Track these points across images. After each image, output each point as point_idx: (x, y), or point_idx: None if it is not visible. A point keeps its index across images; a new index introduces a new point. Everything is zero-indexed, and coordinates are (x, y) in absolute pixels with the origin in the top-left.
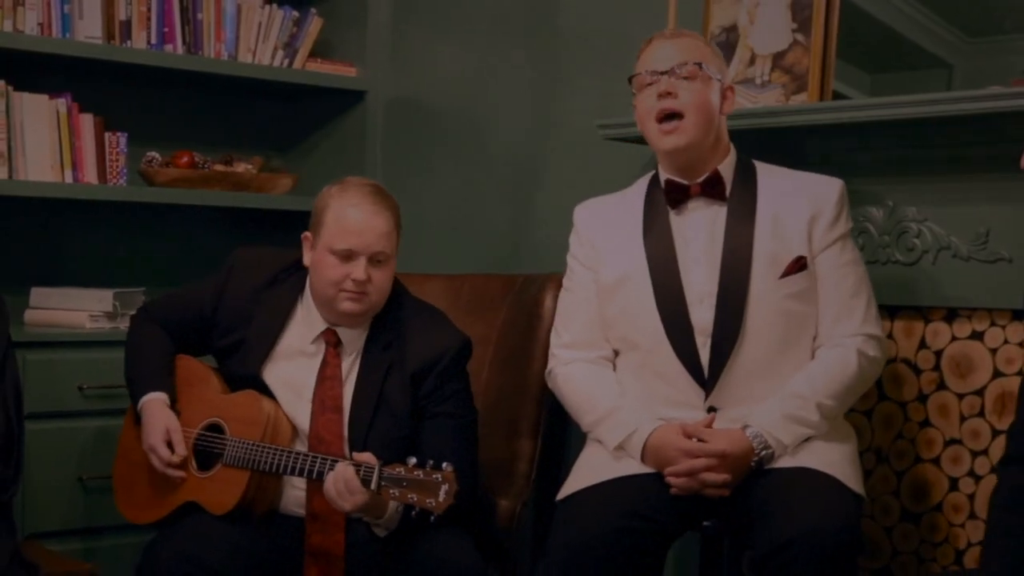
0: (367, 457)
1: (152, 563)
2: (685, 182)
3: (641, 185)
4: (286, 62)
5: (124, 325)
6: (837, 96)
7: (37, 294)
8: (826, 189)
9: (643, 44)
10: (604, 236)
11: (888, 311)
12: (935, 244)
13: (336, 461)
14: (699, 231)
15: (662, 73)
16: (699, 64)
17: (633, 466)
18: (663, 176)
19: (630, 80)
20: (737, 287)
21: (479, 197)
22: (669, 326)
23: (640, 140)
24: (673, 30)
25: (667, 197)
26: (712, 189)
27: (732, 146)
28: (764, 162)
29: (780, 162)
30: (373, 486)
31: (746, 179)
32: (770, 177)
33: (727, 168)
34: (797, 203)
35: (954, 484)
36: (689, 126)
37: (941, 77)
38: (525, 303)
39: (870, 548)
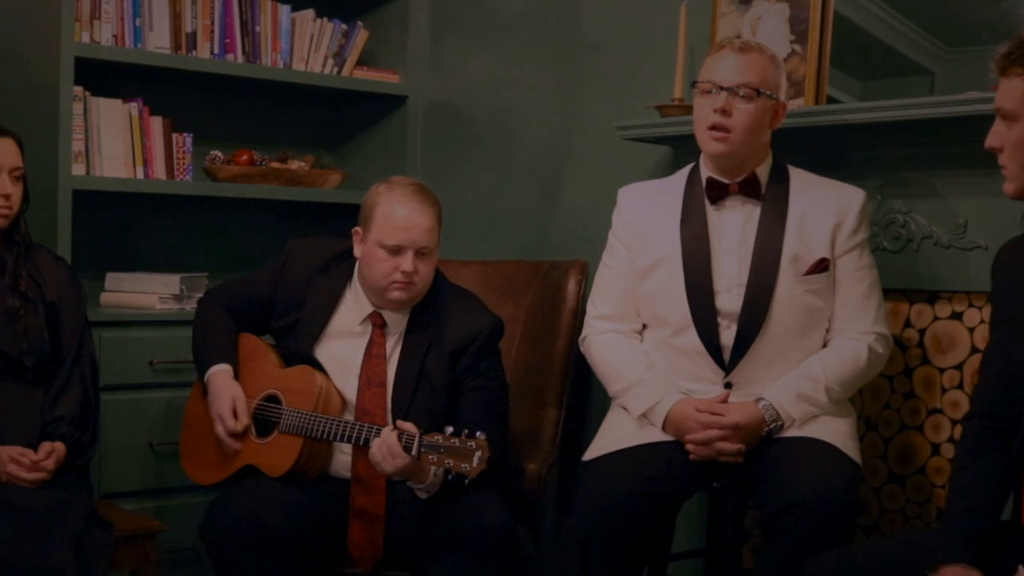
0: (409, 426)
1: (215, 520)
2: (725, 180)
3: (682, 176)
4: (335, 70)
5: (190, 306)
6: (831, 100)
7: (112, 278)
8: (851, 198)
9: (712, 48)
10: (645, 219)
11: None
12: (919, 233)
13: (381, 428)
14: (733, 226)
15: (723, 88)
16: (757, 89)
17: (654, 434)
18: (704, 173)
19: (694, 84)
20: (765, 279)
21: (509, 191)
22: (695, 309)
23: (653, 140)
24: (743, 42)
25: (707, 193)
26: (749, 189)
27: (771, 151)
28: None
29: (779, 159)
30: (414, 452)
31: (780, 182)
32: (801, 182)
33: (764, 170)
34: (824, 209)
35: (936, 449)
36: (735, 140)
37: (924, 83)
38: (550, 287)
39: (864, 509)
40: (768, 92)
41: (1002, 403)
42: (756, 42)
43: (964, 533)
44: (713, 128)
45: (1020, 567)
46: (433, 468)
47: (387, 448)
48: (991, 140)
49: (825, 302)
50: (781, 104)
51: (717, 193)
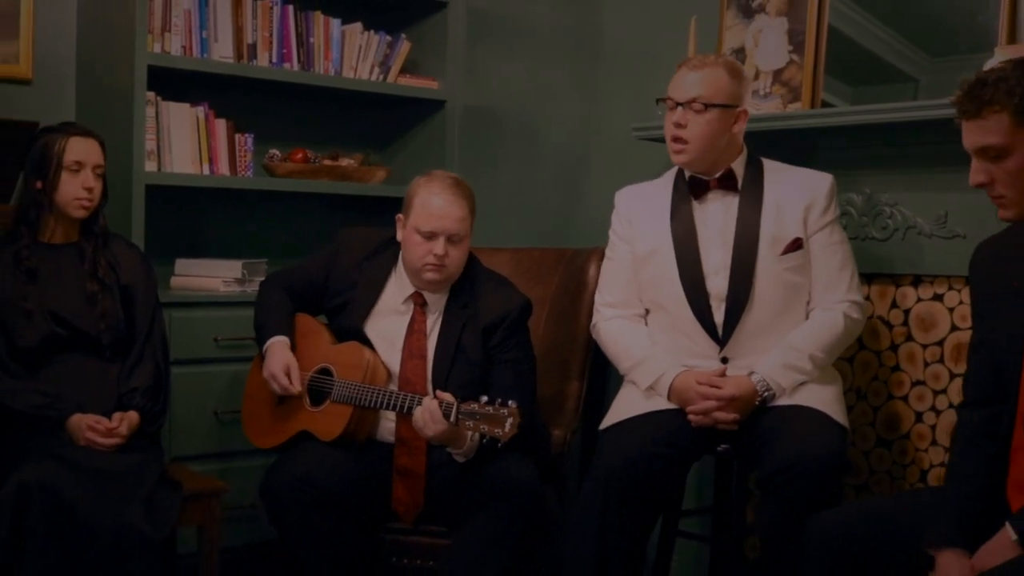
0: (447, 396)
1: (273, 480)
2: (705, 177)
3: (670, 176)
4: (381, 77)
5: (251, 289)
6: (825, 105)
7: (181, 264)
8: (819, 182)
9: (677, 66)
10: (639, 216)
11: (866, 278)
12: (904, 224)
13: (423, 397)
14: (716, 217)
15: (679, 103)
16: (707, 103)
17: (661, 403)
18: (687, 173)
19: (658, 101)
20: (747, 261)
21: (536, 186)
22: (689, 292)
23: (664, 140)
24: (700, 59)
25: (690, 190)
26: (727, 183)
27: (745, 146)
28: (768, 158)
29: (778, 158)
30: (452, 419)
31: (755, 174)
32: (774, 172)
33: (739, 165)
34: (795, 194)
35: (919, 417)
36: (691, 150)
37: (909, 89)
38: (573, 271)
39: (852, 469)
40: (721, 103)
41: (990, 391)
42: (715, 57)
43: (959, 518)
44: (674, 140)
45: (1007, 523)
46: (469, 434)
47: (429, 414)
48: (977, 178)
49: (803, 278)
50: (741, 111)
51: (699, 189)
